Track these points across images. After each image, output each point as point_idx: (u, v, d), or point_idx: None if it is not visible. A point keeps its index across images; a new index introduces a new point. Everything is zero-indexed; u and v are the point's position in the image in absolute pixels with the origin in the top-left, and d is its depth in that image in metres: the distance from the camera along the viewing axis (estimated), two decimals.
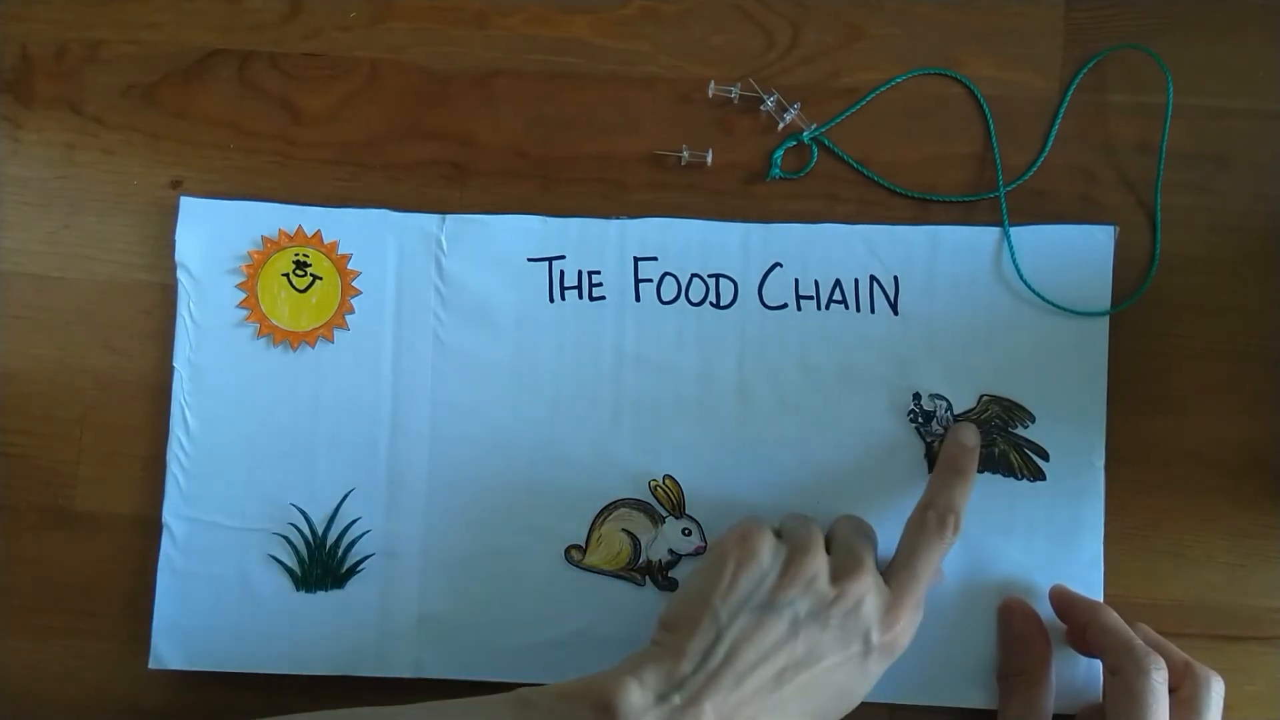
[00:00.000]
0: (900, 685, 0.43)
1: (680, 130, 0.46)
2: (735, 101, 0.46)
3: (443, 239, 0.45)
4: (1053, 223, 0.45)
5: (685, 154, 0.46)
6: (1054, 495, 0.44)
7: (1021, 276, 0.45)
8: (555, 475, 0.45)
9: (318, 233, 0.45)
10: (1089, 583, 0.44)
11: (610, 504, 0.45)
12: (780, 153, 0.46)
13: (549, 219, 0.46)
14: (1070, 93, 0.46)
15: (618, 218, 0.46)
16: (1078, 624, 0.42)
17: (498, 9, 0.47)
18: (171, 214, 0.46)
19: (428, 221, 0.45)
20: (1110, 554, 0.44)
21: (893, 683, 0.43)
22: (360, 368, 0.45)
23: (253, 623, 0.44)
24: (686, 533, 0.45)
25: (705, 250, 0.45)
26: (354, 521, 0.45)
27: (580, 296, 0.45)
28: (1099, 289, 0.45)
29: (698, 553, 0.45)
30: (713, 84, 0.46)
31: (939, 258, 0.45)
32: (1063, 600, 0.43)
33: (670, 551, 0.45)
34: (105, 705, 0.45)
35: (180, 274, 0.45)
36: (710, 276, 0.45)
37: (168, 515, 0.45)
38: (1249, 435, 0.45)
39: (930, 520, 0.40)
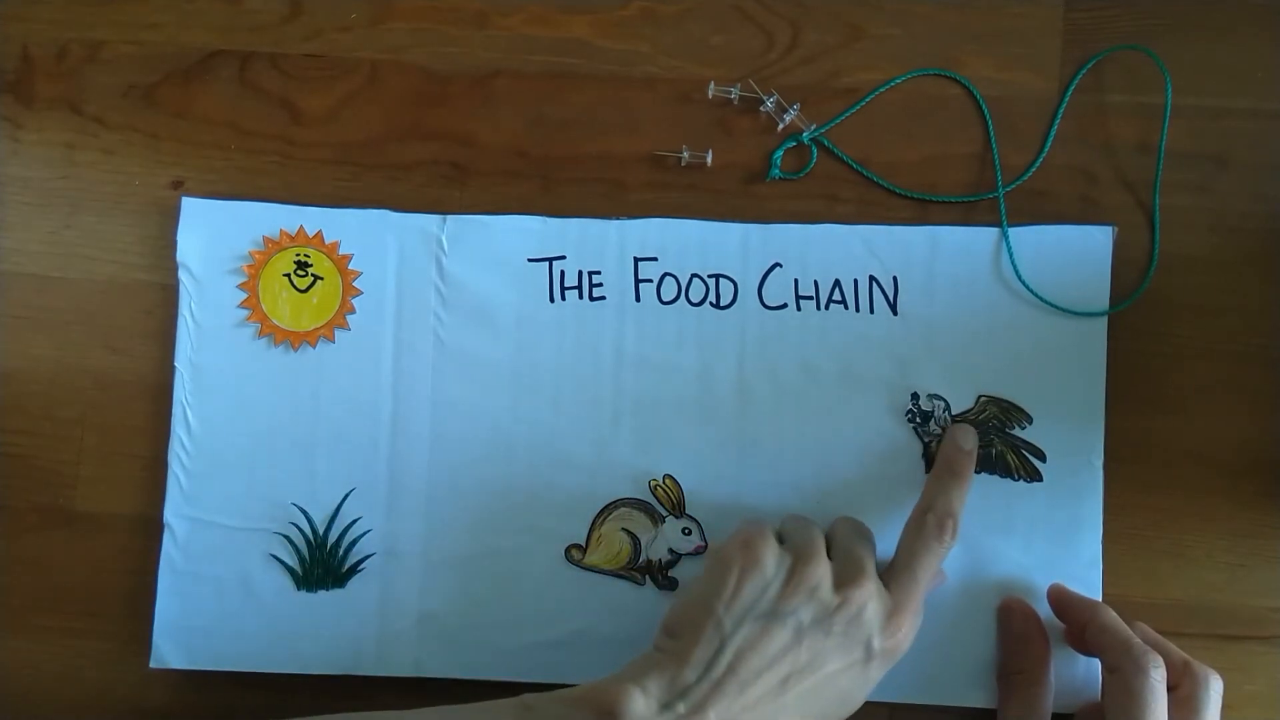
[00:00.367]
0: (900, 685, 0.44)
1: (680, 130, 0.46)
2: (735, 102, 0.46)
3: (443, 239, 0.45)
4: (1052, 223, 0.45)
5: (685, 154, 0.46)
6: (1053, 495, 0.44)
7: (1020, 277, 0.45)
8: (555, 475, 0.45)
9: (319, 233, 0.45)
10: (1088, 582, 0.44)
11: (610, 504, 0.45)
12: (780, 153, 0.46)
13: (549, 219, 0.46)
14: (1069, 93, 0.46)
15: (618, 218, 0.46)
16: (1077, 623, 0.42)
17: (498, 9, 0.47)
18: (172, 214, 0.46)
19: (428, 221, 0.46)
20: (1109, 554, 0.44)
21: (893, 682, 0.43)
22: (361, 368, 0.45)
23: (254, 622, 0.44)
24: (686, 532, 0.45)
25: (705, 250, 0.45)
26: (355, 521, 0.45)
27: (580, 296, 0.45)
28: (1098, 289, 0.45)
29: (697, 552, 0.45)
30: (713, 84, 0.46)
31: (938, 258, 0.45)
32: (1061, 600, 0.43)
33: (670, 551, 0.45)
34: (106, 705, 0.45)
35: (181, 274, 0.45)
36: (710, 277, 0.45)
37: (169, 515, 0.45)
38: (1249, 435, 0.45)
39: (929, 525, 0.40)
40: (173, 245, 0.45)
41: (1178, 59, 0.45)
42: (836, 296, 0.45)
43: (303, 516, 0.45)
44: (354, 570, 0.45)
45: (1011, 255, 0.45)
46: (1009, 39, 0.46)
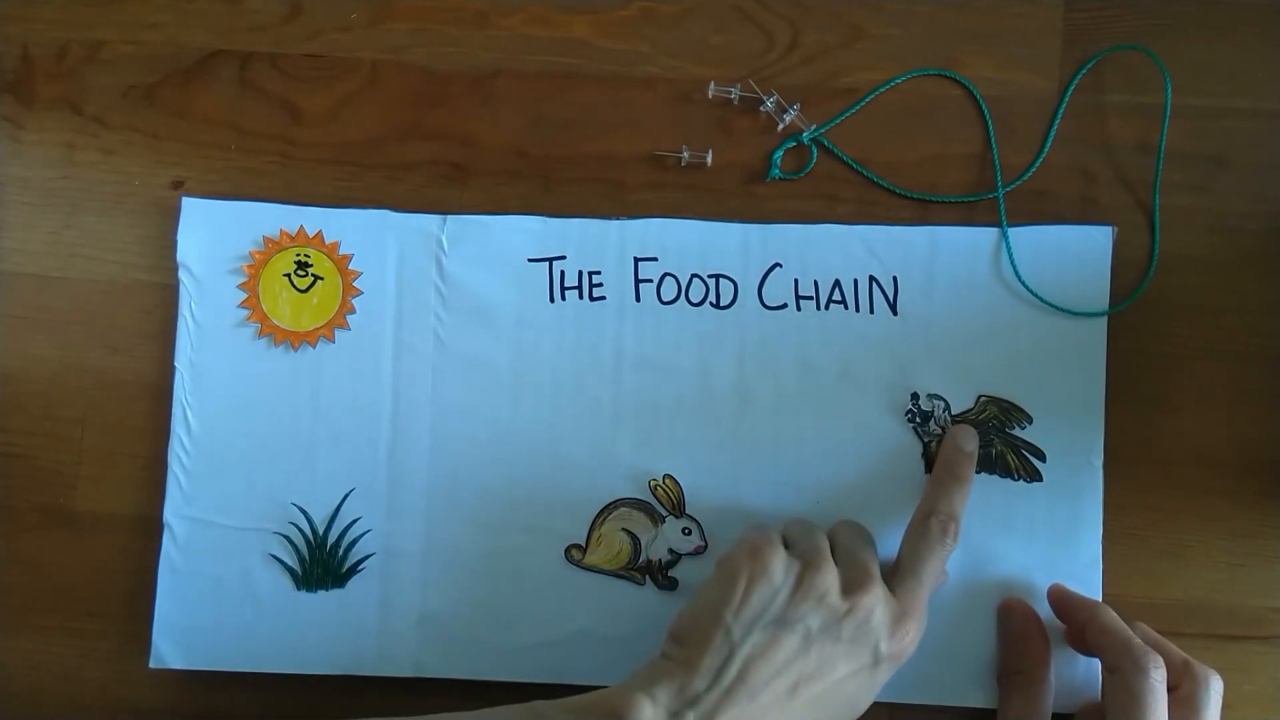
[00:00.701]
0: (900, 685, 0.43)
1: (680, 130, 0.46)
2: (735, 102, 0.46)
3: (443, 239, 0.45)
4: (1051, 223, 0.45)
5: (685, 154, 0.46)
6: (1053, 495, 0.44)
7: (1020, 277, 0.45)
8: (555, 475, 0.45)
9: (319, 233, 0.45)
10: (1088, 582, 0.44)
11: (610, 504, 0.45)
12: (780, 153, 0.46)
13: (549, 219, 0.46)
14: (1069, 93, 0.46)
15: (618, 218, 0.46)
16: (1077, 623, 0.42)
17: (498, 9, 0.47)
18: (172, 214, 0.46)
19: (428, 222, 0.46)
20: (1109, 554, 0.44)
21: (893, 683, 0.43)
22: (361, 368, 0.45)
23: (254, 622, 0.44)
24: (686, 532, 0.45)
25: (705, 250, 0.45)
26: (355, 521, 0.45)
27: (580, 297, 0.45)
28: (1098, 289, 0.45)
29: (697, 552, 0.45)
30: (712, 84, 0.46)
31: (938, 258, 0.45)
32: (1061, 600, 0.43)
33: (670, 551, 0.45)
34: (106, 704, 0.45)
35: (182, 274, 0.45)
36: (710, 277, 0.45)
37: (169, 515, 0.45)
38: (1249, 435, 0.45)
39: (932, 528, 0.41)
40: (173, 245, 0.45)
41: (1177, 59, 0.45)
42: (836, 296, 0.45)
43: (303, 516, 0.45)
44: (354, 570, 0.45)
45: (1011, 255, 0.45)
46: (1009, 39, 0.46)
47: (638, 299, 0.45)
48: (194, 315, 0.45)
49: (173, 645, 0.44)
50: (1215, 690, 0.40)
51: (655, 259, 0.46)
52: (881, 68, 0.46)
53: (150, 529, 0.45)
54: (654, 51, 0.46)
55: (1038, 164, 0.46)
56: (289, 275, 0.45)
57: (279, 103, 0.47)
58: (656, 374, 0.45)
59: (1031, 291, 0.45)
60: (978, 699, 0.44)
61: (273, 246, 0.45)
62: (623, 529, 0.45)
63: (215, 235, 0.45)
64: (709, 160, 0.46)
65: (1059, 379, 0.45)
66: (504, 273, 0.45)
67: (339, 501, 0.45)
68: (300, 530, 0.45)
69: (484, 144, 0.46)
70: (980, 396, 0.45)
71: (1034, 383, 0.45)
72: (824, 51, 0.46)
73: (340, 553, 0.45)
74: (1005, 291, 0.45)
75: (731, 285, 0.45)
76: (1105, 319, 0.45)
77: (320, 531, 0.45)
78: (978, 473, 0.44)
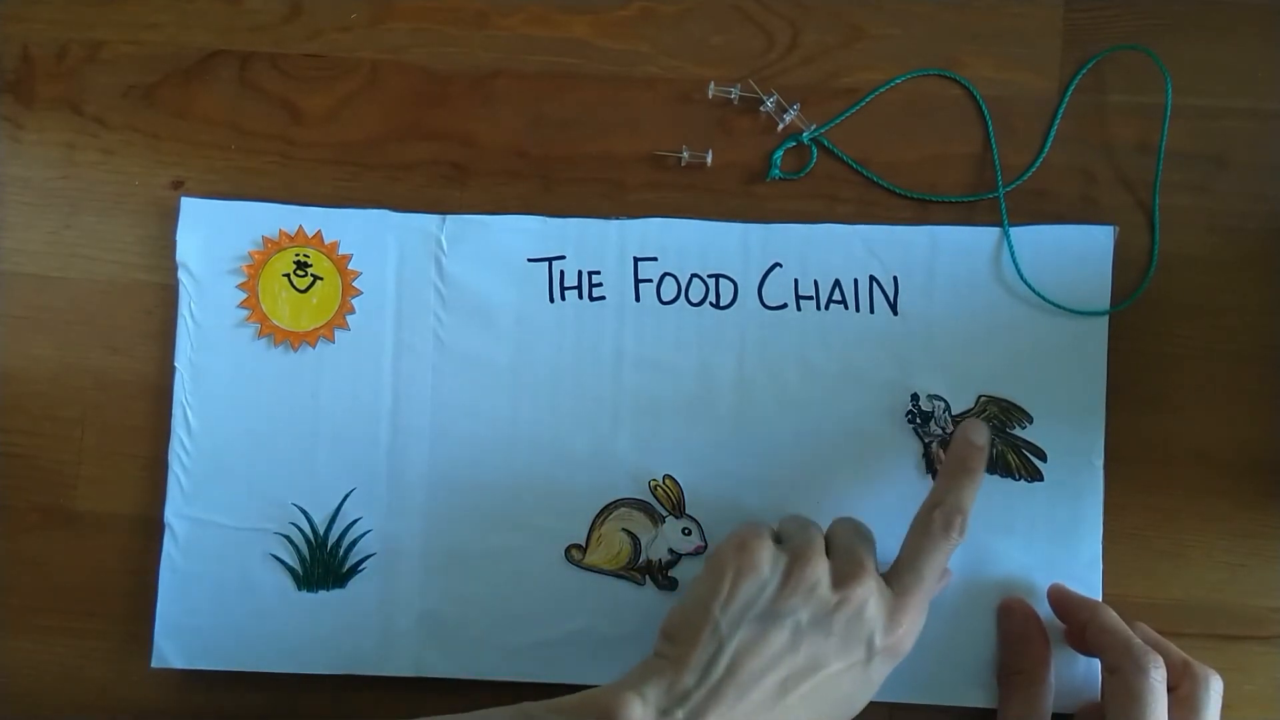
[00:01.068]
0: (900, 685, 0.43)
1: (680, 130, 0.46)
2: (735, 102, 0.46)
3: (443, 239, 0.45)
4: (1052, 223, 0.45)
5: (685, 154, 0.46)
6: (1053, 495, 0.44)
7: (1022, 276, 0.45)
8: (555, 475, 0.45)
9: (318, 233, 0.45)
10: (1088, 582, 0.44)
11: (610, 504, 0.45)
12: (780, 153, 0.46)
13: (549, 219, 0.46)
14: (1069, 93, 0.46)
15: (618, 218, 0.46)
16: (1077, 623, 0.42)
17: (498, 9, 0.47)
18: (172, 214, 0.46)
19: (428, 221, 0.46)
20: (1109, 554, 0.44)
21: (893, 682, 0.43)
22: (361, 368, 0.45)
23: (254, 622, 0.44)
24: (686, 532, 0.45)
25: (705, 250, 0.45)
26: (355, 521, 0.45)
27: (580, 296, 0.45)
28: (1098, 289, 0.45)
29: (698, 552, 0.45)
30: (712, 84, 0.46)
31: (938, 258, 0.45)
32: (1061, 599, 0.43)
33: (670, 551, 0.45)
34: (106, 705, 0.45)
35: (181, 274, 0.45)
36: (710, 277, 0.45)
37: (169, 515, 0.45)
38: (1249, 435, 0.45)
39: (936, 520, 0.40)
40: (173, 245, 0.45)
41: (1178, 59, 0.45)
42: (836, 296, 0.45)
43: (303, 516, 0.45)
44: (354, 570, 0.45)
45: (1013, 255, 0.45)
46: (1009, 39, 0.46)
47: (637, 299, 0.45)
48: (194, 315, 0.45)
49: (174, 645, 0.44)
50: (1215, 690, 0.40)
51: (655, 259, 0.46)
52: (881, 68, 0.46)
53: (151, 529, 0.45)
54: (654, 51, 0.46)
55: (1038, 164, 0.46)
56: (288, 275, 0.45)
57: (279, 103, 0.47)
58: (656, 374, 0.45)
59: (1034, 290, 0.45)
60: (978, 699, 0.44)
61: (272, 246, 0.45)
62: (623, 529, 0.45)
63: (215, 235, 0.45)
64: (709, 160, 0.46)
65: (1059, 379, 0.45)
66: (504, 273, 0.45)
67: (339, 501, 0.45)
68: (301, 530, 0.45)
69: (484, 144, 0.46)
70: (980, 396, 0.45)
71: (1034, 382, 0.45)
72: (824, 51, 0.46)
73: (340, 553, 0.45)
74: (1005, 291, 0.45)
75: (731, 285, 0.45)
76: (1106, 318, 0.45)
77: (321, 531, 0.45)
78: None
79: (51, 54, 0.47)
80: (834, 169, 0.46)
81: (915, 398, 0.45)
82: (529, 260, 0.46)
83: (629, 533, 0.45)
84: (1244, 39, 0.46)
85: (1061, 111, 0.46)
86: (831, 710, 0.38)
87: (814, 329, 0.45)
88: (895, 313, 0.45)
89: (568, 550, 0.45)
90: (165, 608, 0.44)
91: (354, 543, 0.45)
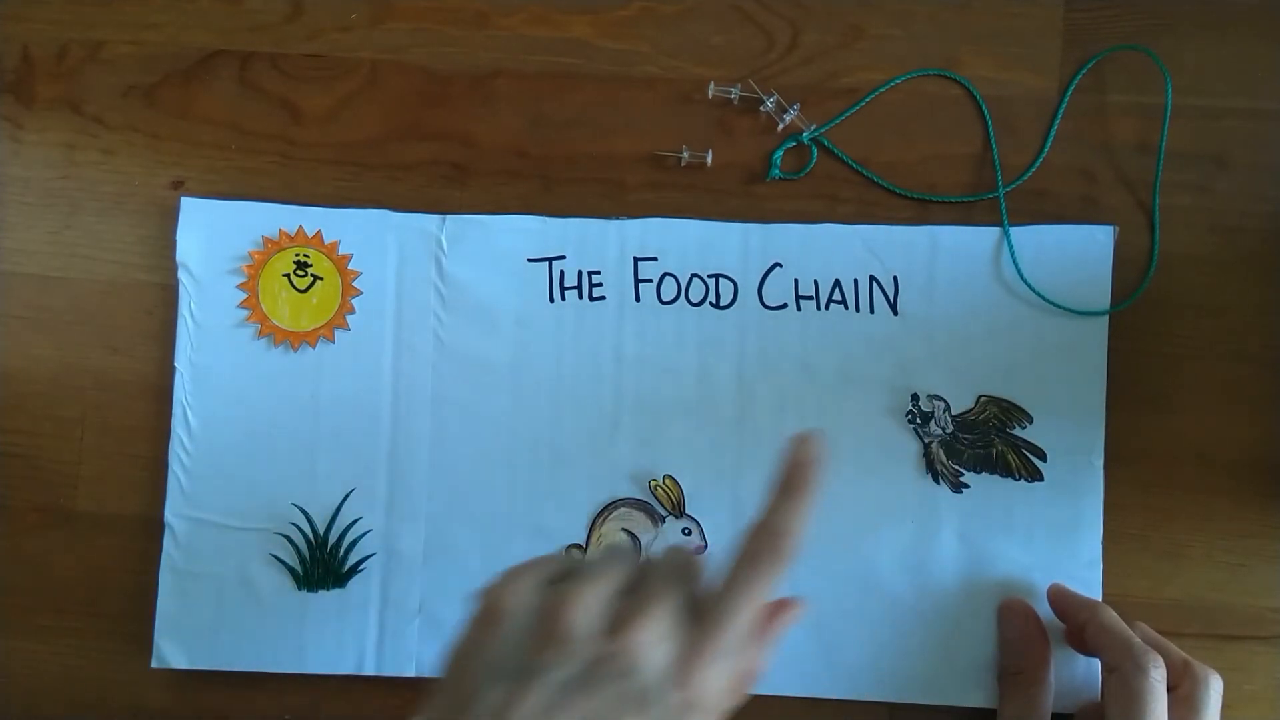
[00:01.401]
0: (900, 685, 0.44)
1: (680, 130, 0.46)
2: (735, 102, 0.46)
3: (443, 239, 0.45)
4: (1052, 223, 0.45)
5: (685, 154, 0.46)
6: (1053, 495, 0.44)
7: (1022, 276, 0.45)
8: (555, 475, 0.45)
9: (318, 233, 0.45)
10: (1088, 582, 0.44)
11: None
12: (780, 153, 0.46)
13: (549, 219, 0.46)
14: (1069, 93, 0.46)
15: (617, 218, 0.46)
16: (1076, 623, 0.42)
17: (498, 9, 0.47)
18: (172, 214, 0.46)
19: (428, 221, 0.46)
20: (1109, 553, 0.44)
21: (893, 682, 0.43)
22: (361, 368, 0.45)
23: (255, 622, 0.44)
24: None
25: (705, 250, 0.45)
26: (355, 521, 0.45)
27: (580, 296, 0.45)
28: (1098, 289, 0.45)
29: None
30: (712, 84, 0.46)
31: (938, 258, 0.45)
32: (1061, 599, 0.43)
33: None
34: (106, 705, 0.45)
35: (181, 274, 0.45)
36: (710, 277, 0.45)
37: (169, 515, 0.45)
38: (1248, 435, 0.45)
39: (756, 543, 0.32)
40: (173, 245, 0.45)
41: (1178, 59, 0.45)
42: (836, 296, 0.45)
43: (303, 516, 0.45)
44: (354, 570, 0.45)
45: (1013, 254, 0.45)
46: (1009, 39, 0.46)
47: (637, 299, 0.45)
48: (194, 315, 0.45)
49: (174, 645, 0.44)
50: (1215, 690, 0.40)
51: (655, 259, 0.46)
52: (881, 68, 0.46)
53: (151, 529, 0.45)
54: (654, 51, 0.46)
55: (1038, 164, 0.46)
56: (288, 275, 0.45)
57: (279, 103, 0.47)
58: (656, 374, 0.45)
59: (1034, 290, 0.45)
60: (977, 699, 0.44)
61: (272, 246, 0.45)
62: (623, 529, 0.45)
63: (214, 235, 0.45)
64: (709, 160, 0.46)
65: (1059, 379, 0.45)
66: (504, 273, 0.45)
67: (339, 502, 0.45)
68: (301, 530, 0.45)
69: (484, 144, 0.46)
70: (980, 396, 0.45)
71: (1034, 382, 0.45)
72: (824, 51, 0.46)
73: (341, 553, 0.45)
74: (1005, 291, 0.45)
75: (731, 285, 0.45)
76: (1106, 319, 0.45)
77: (321, 532, 0.45)
78: (979, 473, 0.44)
79: (52, 54, 0.47)
80: (834, 169, 0.46)
81: (915, 398, 0.45)
82: (529, 260, 0.46)
83: (629, 533, 0.45)
84: (1244, 39, 0.46)
85: (1061, 111, 0.46)
86: None
87: (814, 329, 0.45)
88: (895, 313, 0.45)
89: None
90: (165, 608, 0.44)
91: (354, 543, 0.45)
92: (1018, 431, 0.44)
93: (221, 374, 0.45)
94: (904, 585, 0.44)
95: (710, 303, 0.45)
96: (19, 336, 0.46)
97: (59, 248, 0.46)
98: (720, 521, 0.45)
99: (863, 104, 0.46)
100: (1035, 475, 0.44)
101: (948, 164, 0.46)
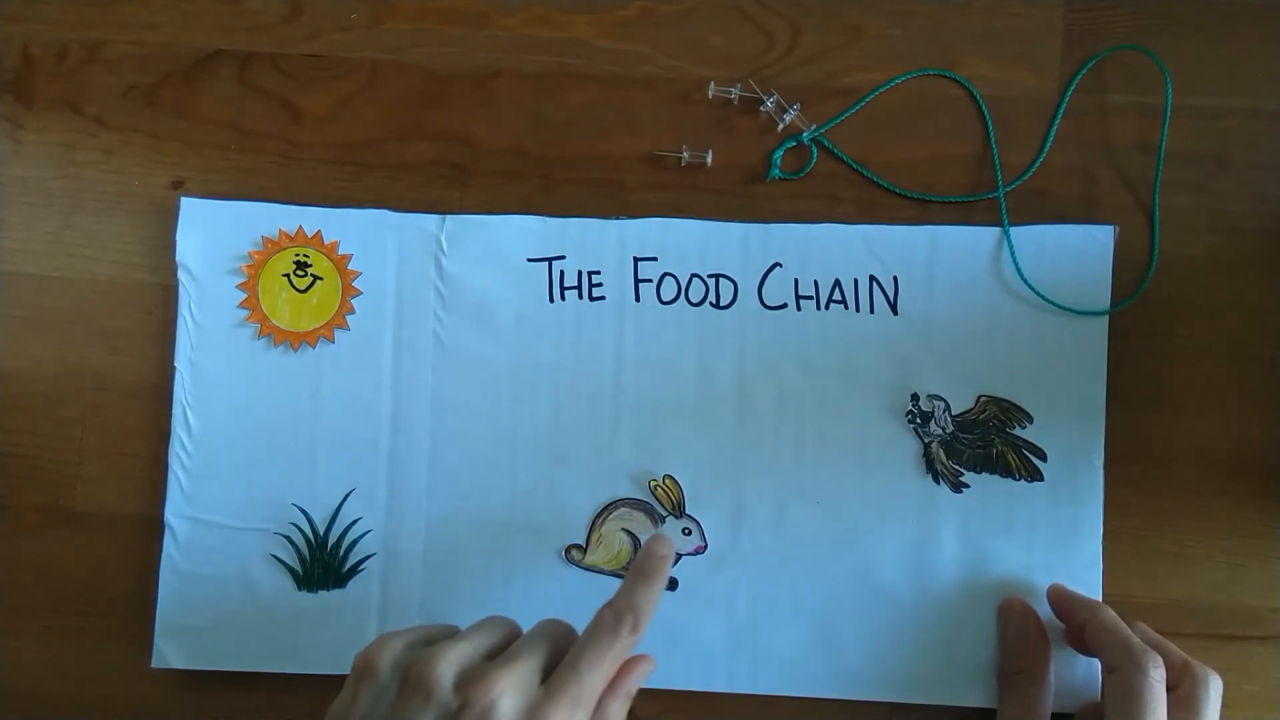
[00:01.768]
0: (900, 685, 0.44)
1: (680, 130, 0.46)
2: (735, 102, 0.46)
3: (443, 239, 0.45)
4: (1052, 223, 0.45)
5: (685, 154, 0.46)
6: (1053, 495, 0.44)
7: (1022, 276, 0.45)
8: (555, 475, 0.45)
9: (318, 233, 0.45)
10: (1088, 582, 0.44)
11: (610, 504, 0.45)
12: (780, 153, 0.46)
13: (549, 219, 0.46)
14: (1069, 93, 0.46)
15: (617, 218, 0.46)
16: (1076, 623, 0.42)
17: (498, 9, 0.47)
18: (172, 214, 0.46)
19: (428, 221, 0.46)
20: (1109, 553, 0.44)
21: (893, 682, 0.43)
22: (361, 368, 0.45)
23: (255, 622, 0.44)
24: (686, 533, 0.45)
25: (705, 250, 0.45)
26: (355, 521, 0.45)
27: (580, 296, 0.45)
28: (1099, 289, 0.45)
29: (698, 552, 0.45)
30: (712, 84, 0.46)
31: (938, 258, 0.45)
32: (1061, 599, 0.43)
33: None
34: (106, 705, 0.45)
35: (181, 274, 0.45)
36: (710, 276, 0.45)
37: (169, 515, 0.45)
38: (1248, 435, 0.45)
39: (605, 617, 0.37)
40: (172, 245, 0.45)
41: (1178, 59, 0.45)
42: (836, 296, 0.45)
43: (303, 517, 0.45)
44: (354, 570, 0.45)
45: (1013, 254, 0.45)
46: (1009, 39, 0.46)
47: (637, 299, 0.45)
48: (193, 315, 0.45)
49: (174, 645, 0.44)
50: (1215, 690, 0.40)
51: (655, 259, 0.46)
52: (881, 68, 0.46)
53: (151, 529, 0.45)
54: (654, 51, 0.46)
55: (1038, 164, 0.46)
56: (288, 275, 0.45)
57: (279, 103, 0.47)
58: (656, 374, 0.45)
59: (1035, 290, 0.45)
60: (977, 699, 0.44)
61: (271, 246, 0.45)
62: (623, 529, 0.45)
63: (214, 235, 0.45)
64: (709, 160, 0.46)
65: (1059, 379, 0.45)
66: (503, 273, 0.45)
67: (339, 502, 0.45)
68: (301, 530, 0.45)
69: (484, 144, 0.46)
70: (981, 396, 0.45)
71: (1035, 383, 0.45)
72: (824, 51, 0.46)
73: (341, 553, 0.45)
74: (1005, 291, 0.45)
75: (731, 285, 0.45)
76: (1106, 319, 0.45)
77: (321, 532, 0.45)
78: (979, 473, 0.44)
79: (51, 54, 0.47)
80: (834, 169, 0.46)
81: (915, 398, 0.45)
82: (529, 260, 0.46)
83: (629, 533, 0.45)
84: (1244, 39, 0.46)
85: (1061, 111, 0.46)
86: None
87: (814, 329, 0.45)
88: (895, 313, 0.45)
89: (567, 550, 0.45)
90: (165, 608, 0.44)
91: (354, 543, 0.45)
92: (1018, 431, 0.44)
93: (221, 374, 0.45)
94: (904, 585, 0.44)
95: (710, 303, 0.45)
96: (18, 337, 0.46)
97: (59, 248, 0.46)
98: (720, 521, 0.45)
99: (863, 104, 0.46)
100: (1035, 475, 0.44)
101: (948, 164, 0.46)
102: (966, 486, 0.44)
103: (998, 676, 0.44)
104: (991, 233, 0.45)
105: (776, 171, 0.46)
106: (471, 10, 0.47)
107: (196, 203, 0.46)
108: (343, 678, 0.44)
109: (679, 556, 0.45)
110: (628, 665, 0.38)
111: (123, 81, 0.47)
